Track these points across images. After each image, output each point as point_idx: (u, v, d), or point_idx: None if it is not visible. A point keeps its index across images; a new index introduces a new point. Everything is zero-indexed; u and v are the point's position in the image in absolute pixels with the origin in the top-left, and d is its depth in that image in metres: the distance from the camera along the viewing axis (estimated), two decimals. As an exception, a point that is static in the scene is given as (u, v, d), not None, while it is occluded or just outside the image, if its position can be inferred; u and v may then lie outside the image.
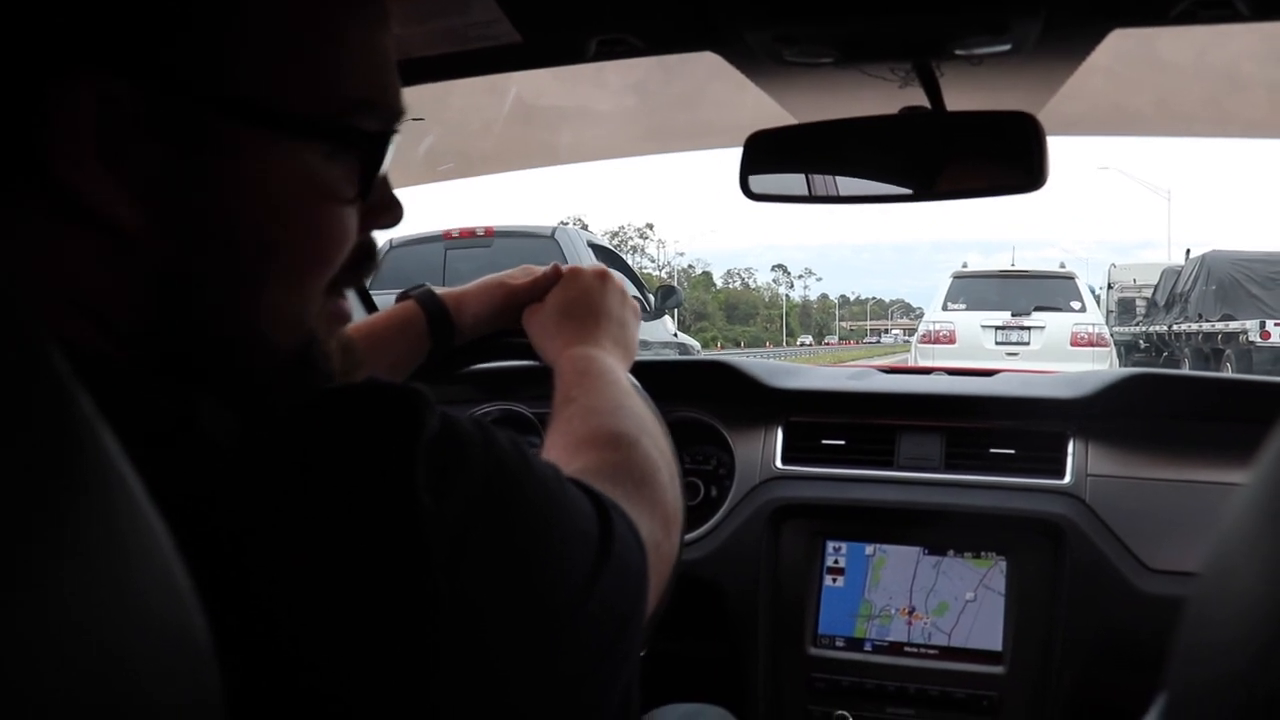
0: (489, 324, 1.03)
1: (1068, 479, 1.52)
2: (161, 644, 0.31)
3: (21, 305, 0.30)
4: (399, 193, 0.62)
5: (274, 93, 0.50)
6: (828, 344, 78.03)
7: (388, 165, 0.58)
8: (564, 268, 1.01)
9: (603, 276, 0.98)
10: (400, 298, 1.04)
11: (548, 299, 0.98)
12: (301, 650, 0.42)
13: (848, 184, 1.30)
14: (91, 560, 0.29)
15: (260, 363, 0.54)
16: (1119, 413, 1.57)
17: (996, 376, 1.84)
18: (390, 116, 0.57)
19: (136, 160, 0.47)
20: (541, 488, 0.53)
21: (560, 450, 0.72)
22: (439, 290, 1.03)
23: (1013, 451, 1.57)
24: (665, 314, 8.65)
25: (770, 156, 1.31)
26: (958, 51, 1.14)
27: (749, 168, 1.29)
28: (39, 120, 0.46)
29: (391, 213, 0.61)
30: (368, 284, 1.88)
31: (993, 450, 1.58)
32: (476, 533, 0.47)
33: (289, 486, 0.43)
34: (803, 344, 74.53)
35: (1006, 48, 1.13)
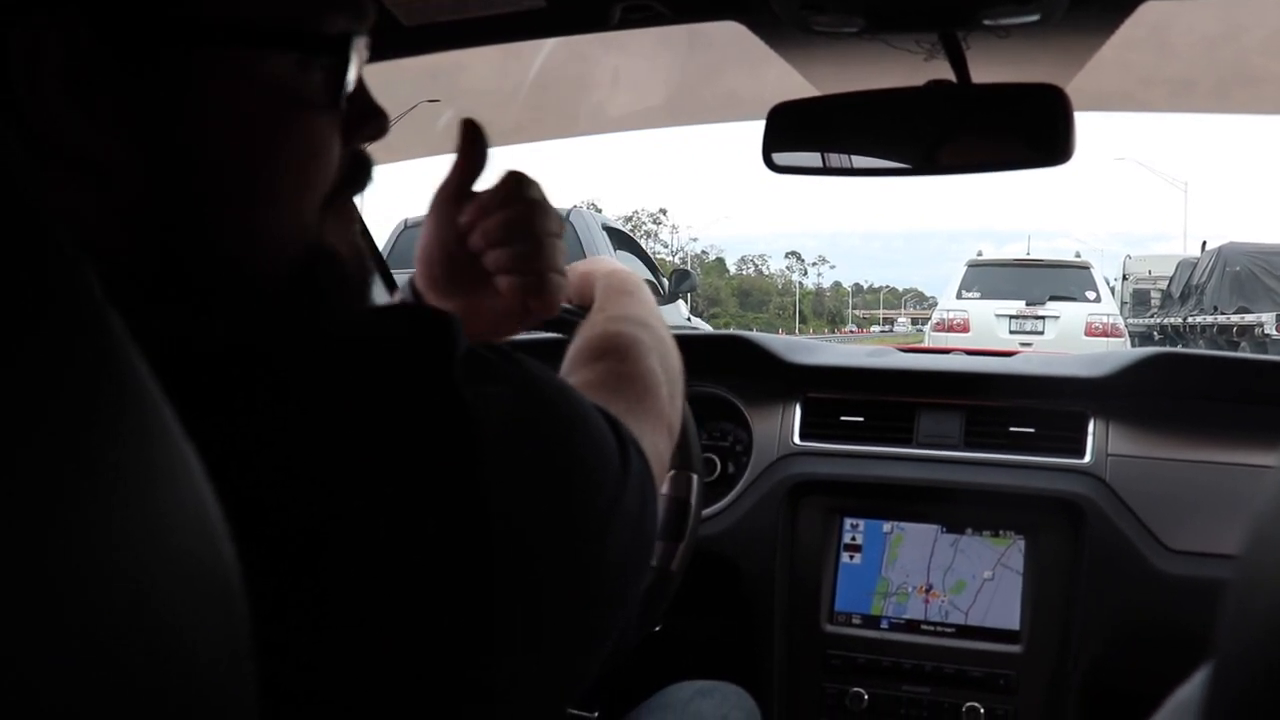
0: None
1: (1088, 458, 1.51)
2: (191, 579, 0.31)
3: (59, 230, 0.30)
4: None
5: (233, 7, 0.49)
6: (841, 332, 78.52)
7: (357, 70, 0.55)
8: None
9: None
10: None
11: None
12: (356, 557, 0.43)
13: (872, 157, 1.29)
14: (126, 488, 0.29)
15: (259, 283, 0.53)
16: (1140, 392, 1.56)
17: (1016, 356, 1.83)
18: (356, 16, 0.55)
19: (106, 94, 0.47)
20: (568, 408, 0.55)
21: (579, 348, 0.77)
22: None
23: (1033, 430, 1.56)
24: (679, 298, 8.63)
25: (793, 129, 1.29)
26: (985, 21, 1.12)
27: (772, 140, 1.28)
28: (4, 69, 0.45)
29: (374, 121, 0.58)
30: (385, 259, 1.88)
31: (1013, 429, 1.57)
32: (513, 440, 0.49)
33: (336, 398, 0.45)
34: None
35: (1035, 18, 1.11)
